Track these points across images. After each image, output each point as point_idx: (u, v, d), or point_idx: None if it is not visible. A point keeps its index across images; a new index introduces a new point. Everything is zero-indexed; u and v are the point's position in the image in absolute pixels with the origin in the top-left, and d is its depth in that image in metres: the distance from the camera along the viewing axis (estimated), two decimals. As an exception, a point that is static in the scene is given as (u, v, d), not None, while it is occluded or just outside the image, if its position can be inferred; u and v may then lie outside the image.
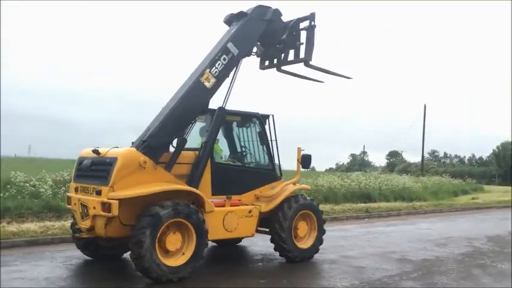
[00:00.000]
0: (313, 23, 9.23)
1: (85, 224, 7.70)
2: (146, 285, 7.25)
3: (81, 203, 7.78)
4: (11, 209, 12.52)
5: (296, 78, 9.98)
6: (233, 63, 8.63)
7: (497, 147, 71.64)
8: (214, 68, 8.34)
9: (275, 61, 9.79)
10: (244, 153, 9.45)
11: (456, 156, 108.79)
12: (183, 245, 7.55)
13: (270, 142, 9.43)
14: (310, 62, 9.37)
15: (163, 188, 7.52)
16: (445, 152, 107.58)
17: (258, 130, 9.45)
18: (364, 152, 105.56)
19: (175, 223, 7.40)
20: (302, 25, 9.42)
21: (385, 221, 16.56)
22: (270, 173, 9.46)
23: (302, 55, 9.36)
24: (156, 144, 7.77)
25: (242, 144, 9.50)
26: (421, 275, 8.42)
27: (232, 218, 8.49)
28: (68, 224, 11.35)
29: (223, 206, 8.55)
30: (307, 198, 9.52)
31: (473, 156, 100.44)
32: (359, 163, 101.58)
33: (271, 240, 9.08)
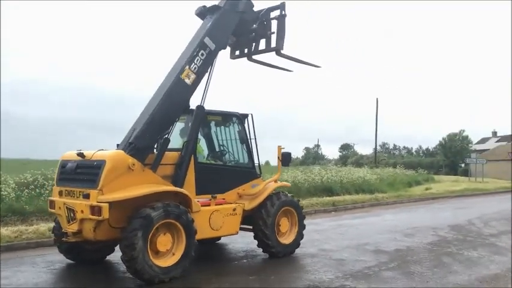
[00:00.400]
0: (283, 12, 9.38)
1: (72, 228, 7.63)
2: (137, 286, 7.28)
3: (66, 207, 7.70)
4: (-30, 214, 12.10)
5: (265, 67, 10.14)
6: (211, 58, 8.66)
7: (443, 138, 74.64)
8: (193, 64, 8.36)
9: (246, 51, 9.87)
10: (225, 153, 9.58)
11: (404, 147, 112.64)
12: (173, 246, 7.64)
13: (249, 141, 9.61)
14: (282, 51, 9.51)
15: (154, 190, 7.57)
16: (394, 144, 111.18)
17: (237, 129, 9.61)
18: (317, 145, 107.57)
19: (165, 224, 7.48)
20: (273, 14, 9.55)
21: (351, 214, 17.13)
22: (250, 171, 9.65)
23: (273, 44, 9.50)
24: (142, 145, 7.80)
25: (223, 143, 9.63)
26: (397, 265, 8.87)
27: (217, 217, 8.63)
28: (41, 228, 11.20)
29: (209, 205, 8.67)
30: (288, 195, 9.77)
31: (420, 147, 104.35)
32: (313, 156, 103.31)
33: (255, 237, 9.29)
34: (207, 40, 8.56)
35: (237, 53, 9.97)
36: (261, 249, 9.45)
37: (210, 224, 8.52)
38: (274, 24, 9.52)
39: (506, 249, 10.50)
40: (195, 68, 8.37)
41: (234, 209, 8.94)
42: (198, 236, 8.06)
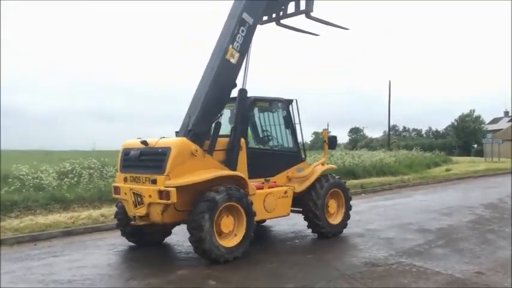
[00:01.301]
0: None
1: (140, 212, 7.99)
2: (205, 264, 7.63)
3: (133, 192, 8.06)
4: (18, 203, 12.54)
5: (293, 32, 10.23)
6: (251, 33, 8.77)
7: (455, 120, 74.41)
8: (236, 42, 8.47)
9: (274, 15, 9.93)
10: (273, 137, 9.89)
11: (414, 129, 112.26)
12: (234, 227, 8.01)
13: (294, 125, 9.91)
14: (311, 14, 9.58)
15: (217, 174, 7.92)
16: (404, 126, 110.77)
17: (283, 114, 9.90)
18: (328, 130, 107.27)
19: (228, 206, 7.82)
20: None
21: (381, 195, 17.43)
22: (296, 155, 9.97)
23: (303, 7, 9.58)
24: (201, 131, 8.11)
25: (270, 128, 9.92)
26: (445, 242, 9.16)
27: (271, 200, 8.98)
28: (93, 213, 11.64)
29: (262, 188, 9.01)
30: (335, 177, 10.08)
31: (430, 129, 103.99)
32: (322, 141, 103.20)
33: (305, 218, 9.63)
34: (245, 15, 8.58)
35: (265, 18, 9.94)
36: (308, 230, 9.80)
37: (265, 207, 8.86)
38: None
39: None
40: (237, 46, 8.48)
41: (286, 192, 9.27)
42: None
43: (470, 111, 72.86)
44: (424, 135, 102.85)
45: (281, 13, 9.82)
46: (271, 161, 9.53)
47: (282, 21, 9.94)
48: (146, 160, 8.08)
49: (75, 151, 27.63)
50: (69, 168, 16.22)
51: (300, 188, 9.46)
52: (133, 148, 8.38)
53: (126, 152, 8.52)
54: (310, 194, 9.48)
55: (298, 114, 9.89)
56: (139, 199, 7.97)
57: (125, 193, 8.26)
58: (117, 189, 8.52)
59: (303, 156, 10.09)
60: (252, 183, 8.74)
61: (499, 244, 9.02)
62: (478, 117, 72.62)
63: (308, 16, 9.61)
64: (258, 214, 8.63)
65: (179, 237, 9.47)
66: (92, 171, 16.26)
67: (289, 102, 9.92)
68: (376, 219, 11.98)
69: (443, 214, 12.61)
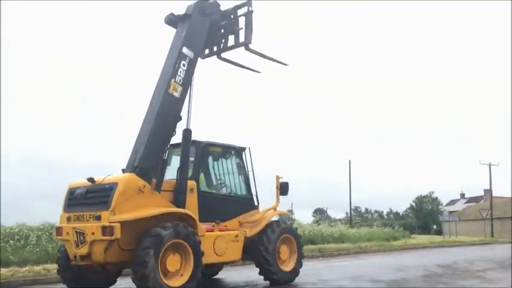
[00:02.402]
0: (250, 8, 9.62)
1: (81, 251, 7.66)
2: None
3: (76, 231, 7.76)
4: None
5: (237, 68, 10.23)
6: (192, 66, 8.90)
7: (414, 201, 76.11)
8: (178, 76, 8.58)
9: (215, 49, 9.99)
10: (225, 183, 9.89)
11: (376, 211, 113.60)
12: (181, 267, 7.75)
13: (247, 173, 9.97)
14: (250, 46, 9.66)
15: (163, 210, 7.80)
16: (366, 208, 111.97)
17: (236, 161, 9.99)
18: (291, 211, 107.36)
19: (175, 245, 7.62)
20: (240, 12, 9.66)
21: (338, 259, 17.29)
22: (249, 202, 9.94)
23: (242, 39, 9.66)
24: (148, 166, 8.04)
25: (223, 174, 9.95)
26: (397, 288, 9.10)
27: (221, 243, 8.81)
28: (35, 268, 11.06)
29: (213, 231, 8.86)
30: (287, 222, 10.04)
31: (391, 210, 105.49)
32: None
33: (257, 265, 9.44)
34: (185, 50, 8.77)
35: (207, 51, 10.02)
36: (260, 280, 9.56)
37: (215, 249, 8.67)
38: (242, 22, 9.61)
39: (495, 280, 10.78)
40: (180, 79, 8.60)
41: (237, 236, 9.13)
42: (203, 261, 8.18)
43: (429, 193, 74.85)
44: (386, 216, 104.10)
45: (221, 45, 9.91)
46: (223, 206, 9.45)
47: (223, 55, 10.04)
48: (92, 197, 7.88)
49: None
50: (16, 230, 15.49)
51: (251, 232, 9.36)
52: (79, 187, 8.20)
53: (71, 191, 8.30)
54: (262, 239, 9.37)
55: (252, 162, 10.00)
56: (81, 238, 7.66)
57: (67, 233, 7.93)
58: (59, 230, 8.18)
59: (256, 203, 10.06)
60: (203, 226, 8.60)
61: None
62: (435, 198, 74.48)
63: (247, 48, 9.68)
64: (208, 257, 8.42)
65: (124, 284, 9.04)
66: (40, 233, 15.55)
67: (242, 149, 10.06)
68: (330, 272, 11.85)
69: (397, 270, 12.59)
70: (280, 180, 10.15)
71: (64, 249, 8.35)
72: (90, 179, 8.03)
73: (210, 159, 9.86)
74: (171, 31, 9.28)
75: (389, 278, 10.86)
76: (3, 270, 10.60)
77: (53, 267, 10.83)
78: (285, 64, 10.39)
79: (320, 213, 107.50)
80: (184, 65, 8.69)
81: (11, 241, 14.54)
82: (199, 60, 9.41)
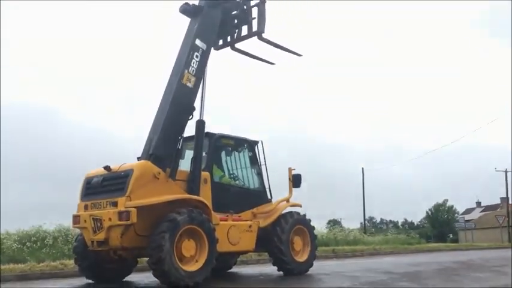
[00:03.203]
0: None
1: (98, 237, 7.82)
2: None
3: (93, 218, 7.93)
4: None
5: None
6: (205, 58, 9.06)
7: (430, 209, 75.28)
8: (191, 67, 8.73)
9: (229, 39, 10.09)
10: (238, 175, 10.00)
11: (391, 221, 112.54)
12: (196, 253, 7.85)
13: (260, 166, 10.08)
14: (263, 35, 9.75)
15: (178, 196, 7.93)
16: (381, 218, 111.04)
17: (249, 154, 10.11)
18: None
19: (189, 231, 7.73)
20: (253, 2, 9.79)
21: (352, 259, 17.22)
22: (262, 195, 10.03)
23: (255, 29, 9.74)
24: (162, 154, 8.20)
25: (236, 166, 10.07)
26: (410, 279, 9.06)
27: (235, 232, 8.90)
28: (52, 263, 11.23)
29: (226, 220, 8.97)
30: (300, 214, 10.10)
31: (406, 220, 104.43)
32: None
33: (270, 255, 9.52)
34: (198, 42, 8.94)
35: (221, 42, 10.13)
36: (274, 271, 9.62)
37: (229, 238, 8.77)
38: (255, 12, 9.71)
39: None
40: (193, 70, 8.76)
41: (250, 226, 9.23)
42: (217, 248, 8.27)
43: (444, 201, 74.07)
44: (401, 226, 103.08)
45: (235, 36, 10.02)
46: (236, 197, 9.55)
47: (236, 46, 10.15)
48: (108, 185, 8.06)
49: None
50: (32, 232, 15.71)
51: (264, 222, 9.44)
52: (96, 175, 8.38)
53: (88, 181, 8.48)
54: (275, 230, 9.45)
55: (264, 156, 10.10)
56: (98, 224, 7.83)
57: (85, 220, 8.11)
58: (76, 219, 8.34)
59: (269, 196, 10.14)
60: (217, 215, 8.71)
61: (464, 282, 8.91)
62: (451, 206, 73.72)
63: (260, 38, 9.78)
64: (222, 245, 8.51)
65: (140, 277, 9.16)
66: (57, 234, 15.77)
67: (255, 143, 10.17)
68: (343, 268, 11.83)
69: (411, 265, 12.54)
70: (293, 172, 10.23)
71: (81, 237, 8.52)
72: (107, 167, 8.21)
73: (223, 151, 9.98)
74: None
75: (404, 270, 10.85)
76: (21, 266, 10.76)
77: (70, 262, 11.03)
78: (299, 55, 10.45)
79: (335, 224, 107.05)
80: (197, 56, 8.86)
81: (27, 243, 14.76)
82: (214, 51, 9.57)
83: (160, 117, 8.54)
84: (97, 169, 8.52)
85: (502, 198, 59.18)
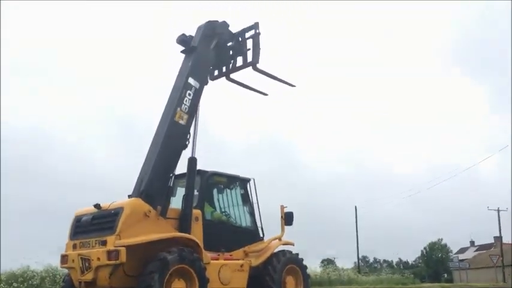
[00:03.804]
0: (257, 30, 9.88)
1: (87, 278, 7.66)
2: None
3: (81, 258, 7.78)
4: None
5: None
6: (198, 96, 9.14)
7: (424, 248, 74.78)
8: (183, 105, 8.81)
9: (224, 69, 10.21)
10: (230, 213, 9.92)
11: (385, 261, 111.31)
12: (186, 293, 7.70)
13: (252, 204, 10.02)
14: (258, 66, 9.87)
15: (169, 235, 7.83)
16: (374, 257, 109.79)
17: (241, 192, 10.06)
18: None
19: (180, 270, 7.61)
20: (248, 34, 9.95)
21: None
22: (254, 233, 9.93)
23: (250, 59, 9.86)
24: (153, 192, 8.13)
25: (228, 204, 9.99)
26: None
27: (226, 271, 8.77)
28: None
29: (218, 259, 8.83)
30: (293, 252, 9.97)
31: (400, 260, 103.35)
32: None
33: (263, 295, 9.31)
34: (191, 80, 9.04)
35: (216, 73, 10.27)
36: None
37: (220, 278, 8.63)
38: (249, 43, 9.88)
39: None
40: (185, 108, 8.82)
41: (242, 265, 9.10)
42: (208, 289, 8.12)
43: (438, 239, 73.72)
44: (395, 266, 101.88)
45: (230, 66, 10.14)
46: (228, 236, 9.44)
47: (231, 76, 10.25)
48: (98, 223, 7.96)
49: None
50: (19, 273, 15.43)
51: (256, 261, 9.32)
52: (85, 214, 8.28)
53: (78, 219, 8.38)
54: (267, 269, 9.32)
55: (256, 194, 10.05)
56: (87, 264, 7.68)
57: (73, 260, 7.95)
58: (64, 258, 8.19)
59: (261, 235, 10.03)
60: (208, 254, 8.58)
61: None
62: (445, 245, 73.30)
63: (255, 68, 9.91)
64: (213, 285, 8.38)
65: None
66: (44, 274, 15.50)
67: (246, 180, 10.14)
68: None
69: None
70: (285, 210, 10.16)
71: (69, 278, 8.34)
72: (97, 206, 8.13)
73: (215, 188, 9.94)
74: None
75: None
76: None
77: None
78: (293, 85, 10.60)
79: (328, 263, 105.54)
80: (190, 94, 8.95)
81: (14, 283, 14.48)
82: (209, 81, 9.73)
83: (152, 154, 8.52)
84: (87, 207, 8.42)
85: (495, 237, 58.98)
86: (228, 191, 10.07)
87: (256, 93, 10.61)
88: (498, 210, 48.71)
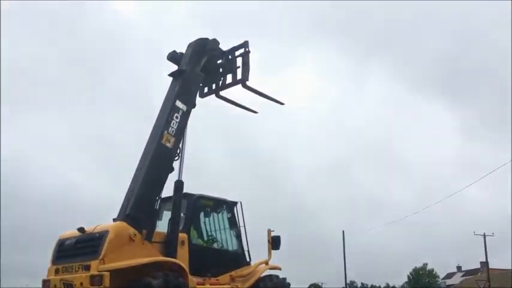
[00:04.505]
0: (247, 49, 9.92)
1: (68, 303, 7.49)
2: None
3: (63, 283, 7.63)
4: None
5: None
6: (185, 118, 9.13)
7: (410, 273, 74.46)
8: (170, 128, 8.80)
9: (213, 87, 10.24)
10: (217, 237, 9.80)
11: (373, 286, 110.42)
12: (170, 320, 7.53)
13: (239, 228, 9.92)
14: (247, 83, 9.92)
15: (154, 259, 7.71)
16: (362, 283, 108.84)
17: (228, 216, 9.97)
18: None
19: (164, 296, 7.45)
20: (237, 52, 10.01)
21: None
22: (240, 257, 9.80)
23: (239, 77, 9.91)
24: (139, 215, 8.03)
25: (214, 228, 9.88)
26: None
27: None
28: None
29: (203, 284, 8.69)
30: (279, 277, 9.85)
31: (388, 285, 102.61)
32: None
33: (248, 321, 9.15)
34: (178, 103, 9.04)
35: (206, 90, 10.29)
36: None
37: (206, 303, 8.47)
38: (239, 61, 9.95)
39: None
40: (172, 131, 8.81)
41: (228, 291, 8.95)
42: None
43: (423, 264, 73.47)
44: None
45: (220, 84, 10.16)
46: (214, 260, 9.32)
47: (221, 93, 10.27)
48: (82, 247, 7.83)
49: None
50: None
51: (243, 286, 9.20)
52: (69, 238, 8.14)
53: (61, 243, 8.24)
54: (254, 294, 9.17)
55: (243, 217, 9.96)
56: (69, 289, 7.51)
57: (55, 285, 7.80)
58: (46, 283, 8.03)
59: (248, 259, 9.90)
60: (193, 279, 8.44)
61: None
62: (431, 270, 73.02)
63: (244, 86, 9.96)
64: (198, 311, 8.22)
65: None
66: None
67: (233, 204, 10.05)
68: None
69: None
70: (272, 234, 10.08)
71: (50, 303, 8.12)
72: (81, 229, 8.00)
73: (202, 212, 9.82)
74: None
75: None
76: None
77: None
78: (281, 103, 10.67)
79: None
80: (177, 117, 8.93)
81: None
82: (199, 98, 9.81)
83: (138, 177, 8.45)
84: (71, 231, 8.28)
85: (481, 263, 58.98)
86: (215, 214, 9.97)
87: (246, 110, 10.70)
88: (484, 235, 48.86)
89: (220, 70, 10.15)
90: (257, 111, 10.79)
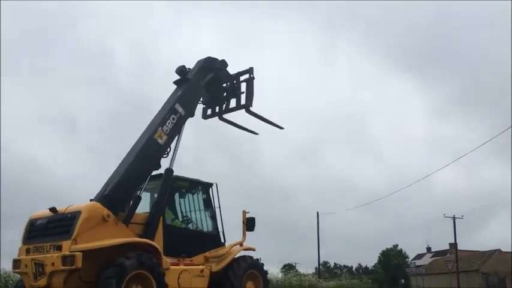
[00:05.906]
0: (251, 75, 10.24)
1: (40, 283, 7.40)
2: None
3: (34, 263, 7.51)
4: None
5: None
6: (181, 122, 9.26)
7: (380, 254, 76.19)
8: (165, 126, 8.91)
9: (217, 109, 10.55)
10: (191, 218, 9.79)
11: (345, 266, 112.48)
12: (144, 300, 7.52)
13: (214, 209, 9.92)
14: (250, 108, 10.22)
15: (127, 240, 7.64)
16: (335, 263, 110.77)
17: (203, 197, 9.95)
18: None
19: (138, 276, 7.44)
20: (242, 78, 10.38)
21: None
22: (215, 238, 9.82)
23: (243, 102, 10.21)
24: (116, 198, 7.98)
25: (189, 208, 9.87)
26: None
27: (186, 277, 8.64)
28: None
29: (178, 265, 8.69)
30: (253, 258, 9.92)
31: (360, 265, 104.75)
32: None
33: (223, 301, 9.21)
34: (177, 106, 9.19)
35: (209, 112, 10.60)
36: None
37: (179, 283, 8.48)
38: (243, 87, 10.32)
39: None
40: (166, 130, 8.90)
41: (202, 271, 8.99)
42: (167, 295, 7.96)
43: (393, 246, 75.14)
44: (355, 271, 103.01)
45: (224, 107, 10.48)
46: (188, 241, 9.32)
47: (224, 116, 10.56)
48: (53, 227, 7.71)
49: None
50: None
51: (217, 267, 9.22)
52: (41, 217, 8.00)
53: (32, 222, 8.09)
54: (228, 274, 9.23)
55: (218, 199, 9.96)
56: (40, 269, 7.41)
57: (26, 265, 7.67)
58: (17, 263, 7.90)
59: (223, 240, 9.93)
60: (167, 259, 8.43)
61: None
62: (400, 251, 74.74)
63: (248, 111, 10.26)
64: (172, 291, 8.22)
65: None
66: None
67: (209, 185, 10.03)
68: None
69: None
70: (247, 215, 10.11)
71: (21, 283, 8.05)
72: (52, 209, 7.87)
73: (177, 193, 9.79)
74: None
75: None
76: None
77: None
78: (281, 128, 10.98)
79: (289, 268, 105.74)
80: (173, 118, 9.08)
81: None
82: (203, 120, 10.37)
83: (125, 162, 8.50)
84: (42, 211, 8.14)
85: (450, 244, 60.52)
86: (190, 195, 9.95)
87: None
88: (454, 218, 50.04)
89: (225, 94, 10.44)
90: (258, 133, 11.05)
